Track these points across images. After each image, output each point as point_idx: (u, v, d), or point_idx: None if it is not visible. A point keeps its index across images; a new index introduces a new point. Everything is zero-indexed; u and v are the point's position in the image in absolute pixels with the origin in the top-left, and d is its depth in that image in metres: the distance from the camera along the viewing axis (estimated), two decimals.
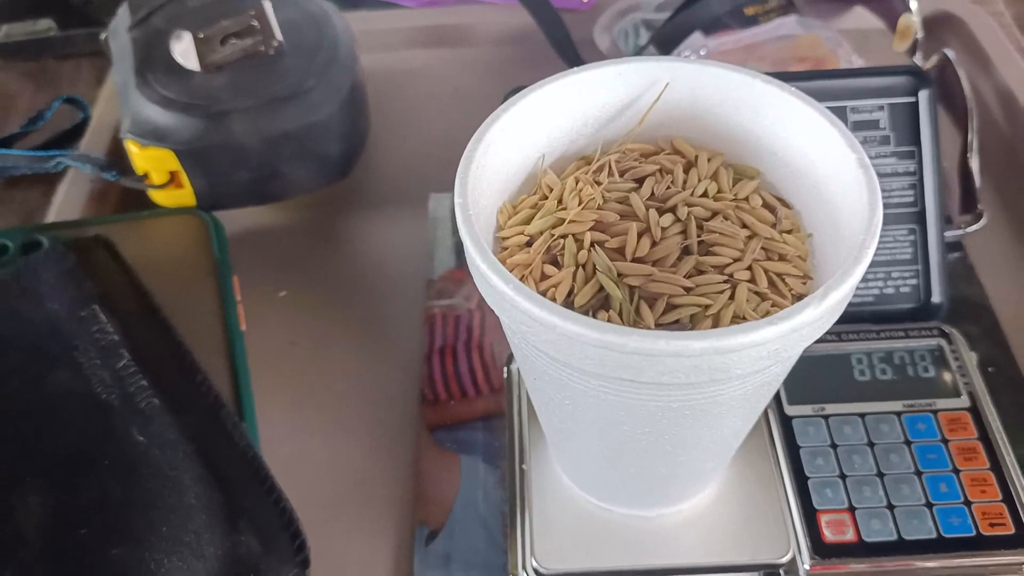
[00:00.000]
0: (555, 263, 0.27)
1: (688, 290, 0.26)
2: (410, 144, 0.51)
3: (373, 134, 0.48)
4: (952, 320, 0.40)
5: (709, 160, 0.29)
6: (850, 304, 0.39)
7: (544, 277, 0.26)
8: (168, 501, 0.33)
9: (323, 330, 0.43)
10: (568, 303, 0.26)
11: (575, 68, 0.29)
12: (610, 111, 0.30)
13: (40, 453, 0.34)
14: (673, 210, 0.27)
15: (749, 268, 0.26)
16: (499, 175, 0.28)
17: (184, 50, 0.45)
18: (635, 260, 0.26)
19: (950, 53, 0.46)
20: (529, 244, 0.27)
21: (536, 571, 0.32)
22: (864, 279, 0.39)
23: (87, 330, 0.37)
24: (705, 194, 0.28)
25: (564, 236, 0.27)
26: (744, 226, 0.27)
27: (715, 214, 0.27)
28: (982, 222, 0.43)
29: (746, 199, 0.28)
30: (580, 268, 0.26)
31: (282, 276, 0.45)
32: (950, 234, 0.43)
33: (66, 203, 0.47)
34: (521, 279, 0.26)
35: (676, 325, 0.25)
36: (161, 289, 0.39)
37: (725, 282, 0.26)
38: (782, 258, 0.27)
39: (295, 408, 0.40)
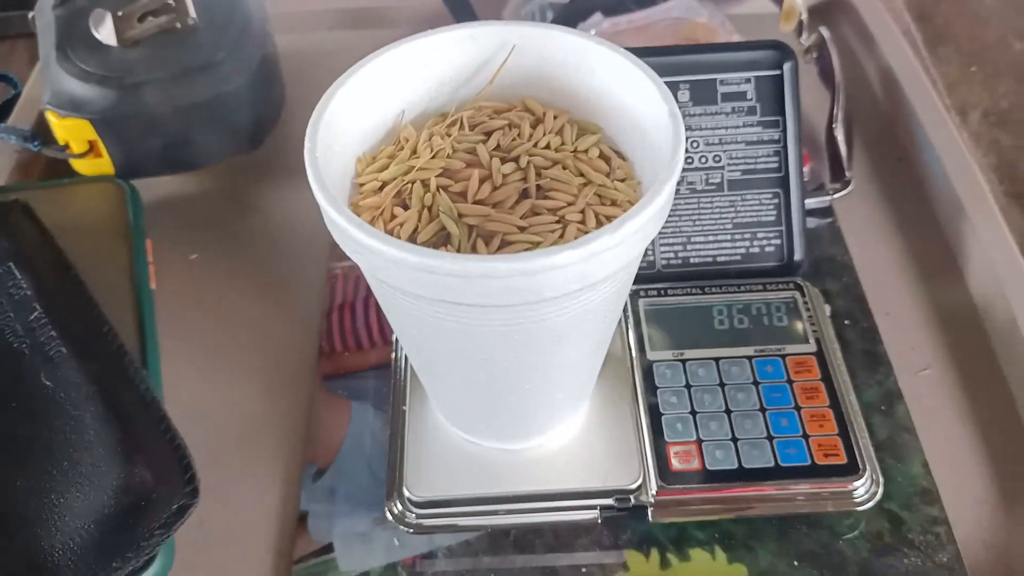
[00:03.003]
0: (405, 207, 0.29)
1: (522, 229, 0.28)
2: None
3: (289, 109, 0.51)
4: (816, 277, 0.43)
5: (556, 117, 0.32)
6: (718, 262, 0.43)
7: (393, 218, 0.29)
8: (70, 438, 0.35)
9: (231, 289, 0.45)
10: (412, 240, 0.28)
11: (427, 31, 0.32)
12: (465, 71, 0.32)
13: None
14: (516, 160, 0.30)
15: (582, 212, 0.29)
16: (357, 127, 0.31)
17: (104, 27, 0.47)
18: (476, 203, 0.29)
19: (825, 32, 0.49)
20: (383, 190, 0.30)
21: (408, 500, 0.35)
22: (732, 239, 0.42)
23: (2, 285, 0.39)
24: (548, 147, 0.31)
25: (413, 182, 0.29)
26: (581, 175, 0.30)
27: (555, 164, 0.30)
28: (849, 189, 0.46)
29: (585, 151, 0.31)
30: (426, 210, 0.29)
31: (196, 240, 0.47)
32: (821, 200, 0.46)
33: None
34: (372, 220, 0.29)
35: None
36: (77, 251, 0.42)
37: (557, 223, 0.29)
38: (613, 203, 0.30)
39: (201, 359, 0.42)
